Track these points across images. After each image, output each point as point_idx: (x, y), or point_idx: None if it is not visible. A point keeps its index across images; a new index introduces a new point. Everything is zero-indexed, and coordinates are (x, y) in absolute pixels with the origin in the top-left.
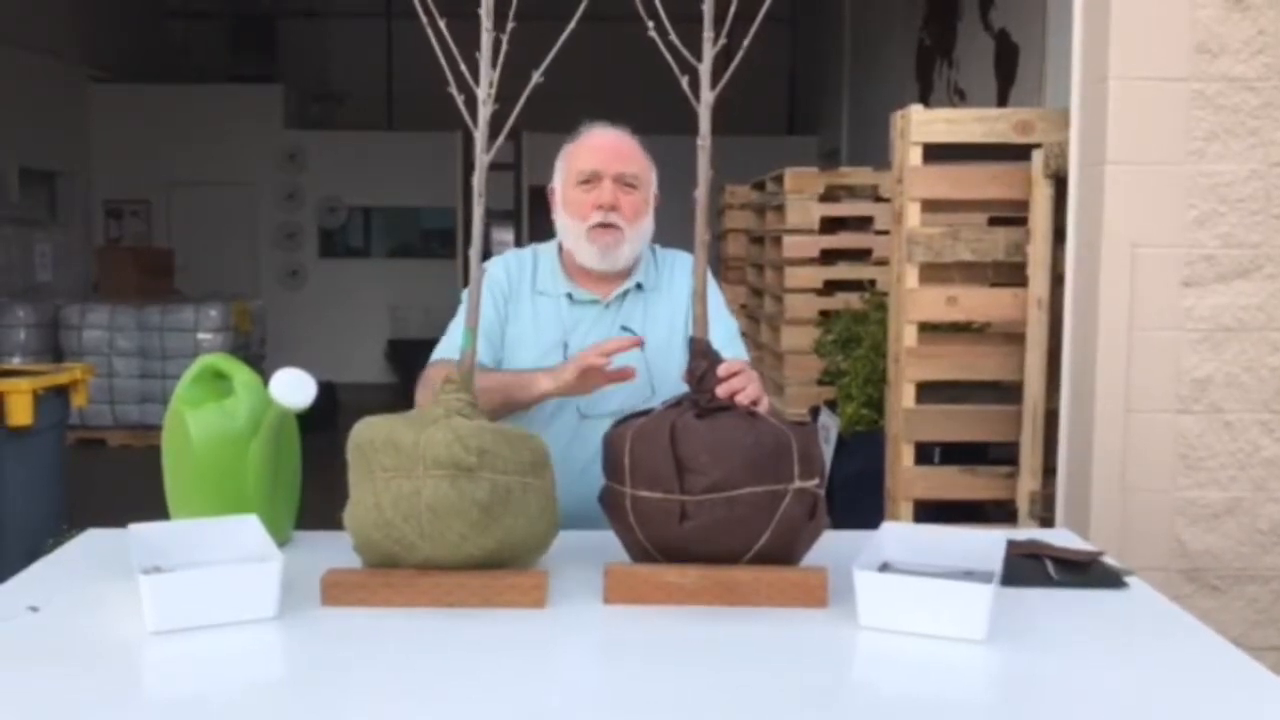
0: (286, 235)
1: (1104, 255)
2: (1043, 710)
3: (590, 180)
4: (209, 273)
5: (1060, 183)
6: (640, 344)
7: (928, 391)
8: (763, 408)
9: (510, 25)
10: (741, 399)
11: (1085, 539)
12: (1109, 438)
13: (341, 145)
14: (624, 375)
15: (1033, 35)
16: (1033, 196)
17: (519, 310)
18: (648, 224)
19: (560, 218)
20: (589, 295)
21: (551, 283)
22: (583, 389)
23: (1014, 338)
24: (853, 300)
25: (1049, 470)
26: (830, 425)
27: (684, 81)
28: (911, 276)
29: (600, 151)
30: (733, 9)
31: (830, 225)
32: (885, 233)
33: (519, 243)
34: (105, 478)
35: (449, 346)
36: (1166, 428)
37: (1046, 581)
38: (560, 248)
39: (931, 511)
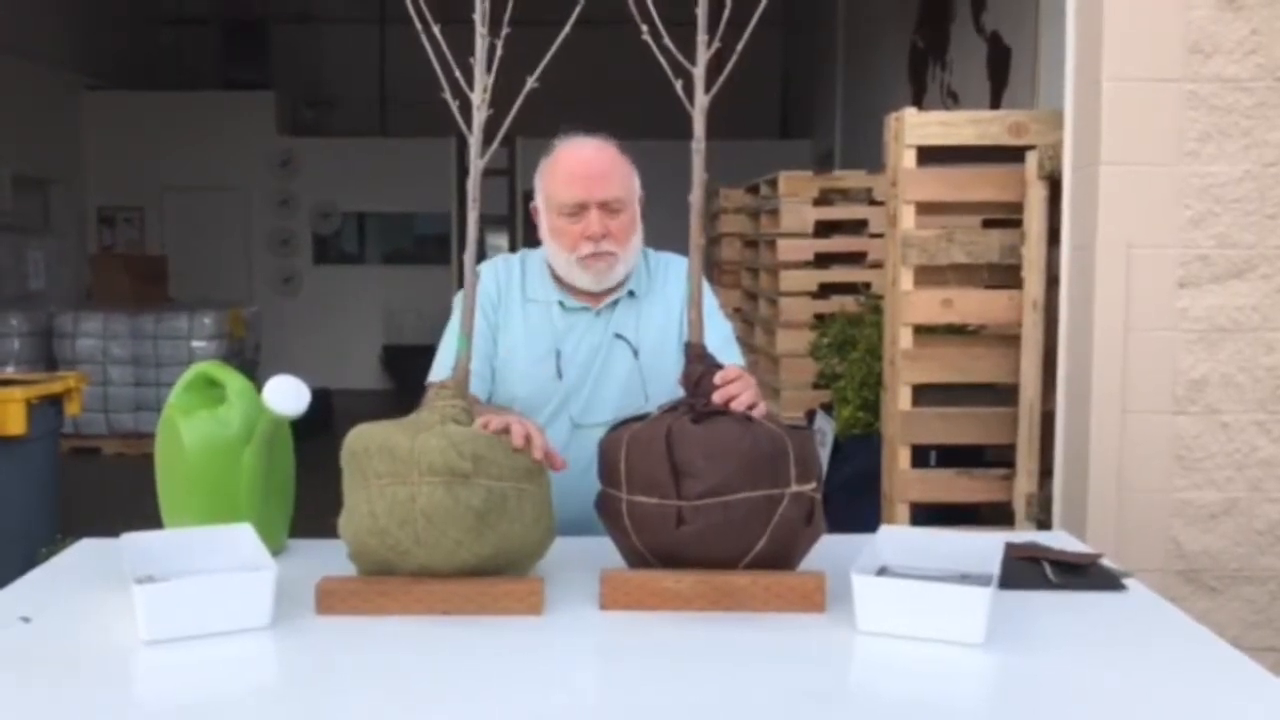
0: (280, 241)
1: (1099, 256)
2: (1041, 713)
3: (575, 212)
4: (203, 279)
5: (1054, 184)
6: None
7: (923, 394)
8: (759, 412)
9: (505, 31)
10: (737, 404)
11: (1082, 540)
12: (1105, 439)
13: (335, 151)
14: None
15: (1025, 38)
16: (1027, 198)
17: (510, 318)
18: (638, 239)
19: (548, 243)
20: (580, 303)
21: (542, 290)
22: None
23: (1009, 340)
24: (848, 303)
25: (1045, 472)
26: (826, 429)
27: (678, 85)
28: (906, 279)
29: (581, 180)
30: (726, 13)
31: (824, 228)
32: (880, 236)
33: (513, 248)
34: (99, 486)
35: (444, 367)
36: (1163, 428)
37: (1045, 584)
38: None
39: (927, 514)
